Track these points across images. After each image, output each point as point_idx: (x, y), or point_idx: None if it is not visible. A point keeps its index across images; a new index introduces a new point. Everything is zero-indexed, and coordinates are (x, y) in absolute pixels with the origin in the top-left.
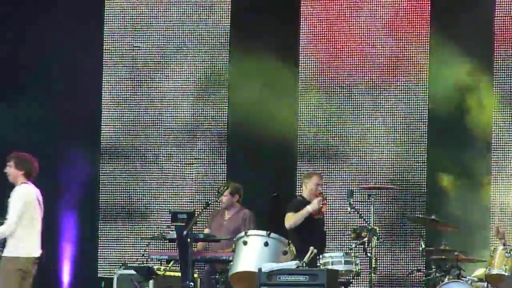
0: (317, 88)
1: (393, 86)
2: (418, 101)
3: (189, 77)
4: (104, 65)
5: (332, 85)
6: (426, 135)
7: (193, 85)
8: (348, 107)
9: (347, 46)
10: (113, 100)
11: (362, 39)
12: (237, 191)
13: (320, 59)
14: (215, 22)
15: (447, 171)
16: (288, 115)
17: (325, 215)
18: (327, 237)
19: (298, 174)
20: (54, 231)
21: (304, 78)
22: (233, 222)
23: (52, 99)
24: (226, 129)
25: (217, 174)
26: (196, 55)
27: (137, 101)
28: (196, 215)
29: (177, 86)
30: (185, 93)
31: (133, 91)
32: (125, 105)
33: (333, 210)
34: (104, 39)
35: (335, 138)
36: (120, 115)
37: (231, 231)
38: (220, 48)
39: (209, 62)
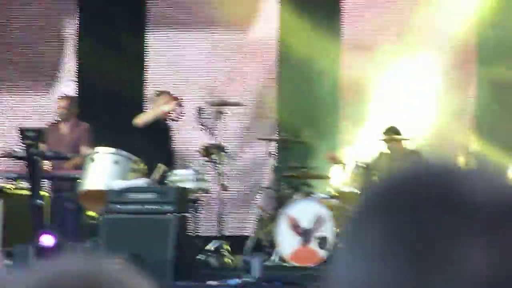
0: None
1: None
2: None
3: None
4: None
5: None
6: (278, 48)
7: None
8: (198, 16)
9: None
10: None
11: None
12: (76, 103)
13: None
14: None
15: (296, 85)
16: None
17: (177, 121)
18: (176, 154)
19: (146, 91)
20: None
21: None
22: (73, 135)
23: None
24: (77, 45)
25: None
26: None
27: None
28: (45, 132)
29: None
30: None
31: None
32: None
33: (182, 127)
34: None
35: (185, 52)
36: None
37: (73, 145)
38: None
39: None
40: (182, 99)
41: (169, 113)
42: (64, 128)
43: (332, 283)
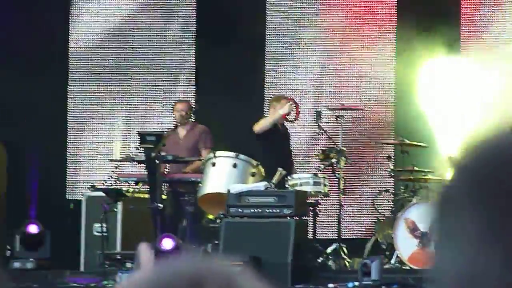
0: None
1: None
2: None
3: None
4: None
5: None
6: (395, 53)
7: (160, 4)
8: (316, 24)
9: None
10: (82, 18)
11: None
12: (191, 108)
13: None
14: None
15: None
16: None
17: (297, 120)
18: (295, 158)
19: (265, 96)
20: (21, 153)
21: None
22: (190, 139)
23: None
24: (194, 50)
25: (185, 97)
26: None
27: (106, 18)
28: (164, 136)
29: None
30: (151, 12)
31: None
32: (94, 24)
33: (302, 131)
34: None
35: (303, 58)
36: (89, 32)
37: (190, 147)
38: None
39: None
40: (296, 101)
41: (286, 116)
42: (181, 131)
43: (436, 275)
